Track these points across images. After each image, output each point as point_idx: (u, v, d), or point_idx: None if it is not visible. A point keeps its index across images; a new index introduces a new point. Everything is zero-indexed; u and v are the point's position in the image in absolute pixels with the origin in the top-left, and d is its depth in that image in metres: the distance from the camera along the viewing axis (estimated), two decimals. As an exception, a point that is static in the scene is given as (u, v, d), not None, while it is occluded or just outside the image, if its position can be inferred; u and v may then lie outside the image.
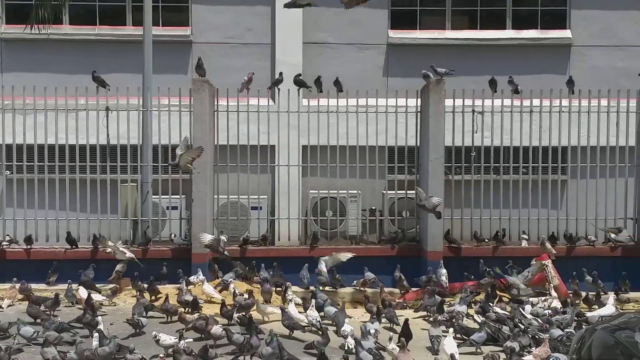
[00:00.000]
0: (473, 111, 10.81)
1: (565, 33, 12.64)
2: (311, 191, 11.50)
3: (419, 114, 10.90)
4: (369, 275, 9.32)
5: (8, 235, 10.79)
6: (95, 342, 6.45)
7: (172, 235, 10.81)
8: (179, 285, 8.54)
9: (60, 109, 10.71)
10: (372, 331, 6.75)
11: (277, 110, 11.02)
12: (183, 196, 11.26)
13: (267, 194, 11.73)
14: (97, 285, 8.94)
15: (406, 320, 7.01)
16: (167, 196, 11.16)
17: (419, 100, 10.86)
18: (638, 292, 9.19)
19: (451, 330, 6.94)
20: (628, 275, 9.37)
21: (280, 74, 11.17)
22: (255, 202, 11.36)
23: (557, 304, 8.42)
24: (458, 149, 10.92)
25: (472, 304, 8.30)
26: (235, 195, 11.10)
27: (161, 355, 6.17)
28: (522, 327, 7.13)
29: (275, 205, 11.67)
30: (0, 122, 10.74)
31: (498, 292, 8.79)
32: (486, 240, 10.92)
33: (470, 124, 10.83)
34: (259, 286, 8.84)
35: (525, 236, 10.97)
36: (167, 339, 6.59)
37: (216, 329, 6.78)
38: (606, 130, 10.83)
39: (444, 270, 9.15)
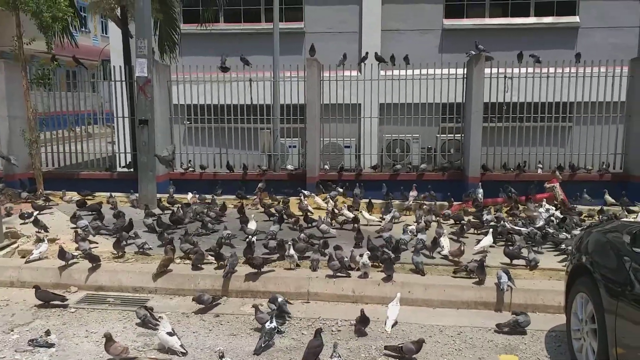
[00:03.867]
0: (505, 77, 10.94)
1: (575, 18, 12.92)
2: (385, 135, 11.90)
3: (465, 79, 11.17)
4: (479, 191, 9.04)
5: (189, 162, 11.74)
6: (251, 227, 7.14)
7: (291, 165, 11.54)
8: (299, 196, 9.08)
9: (220, 80, 11.42)
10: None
11: (363, 79, 11.38)
12: (299, 139, 11.81)
13: (355, 137, 12.14)
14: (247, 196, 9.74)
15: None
16: (289, 139, 11.80)
17: (465, 69, 11.12)
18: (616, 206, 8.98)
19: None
20: (617, 193, 9.32)
21: (366, 53, 11.55)
22: (347, 142, 11.88)
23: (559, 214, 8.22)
24: (493, 104, 11.04)
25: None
26: (334, 138, 11.66)
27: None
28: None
29: (361, 144, 12.11)
30: (183, 90, 11.43)
31: (520, 205, 8.81)
32: (511, 169, 11.20)
33: (502, 86, 10.90)
34: (351, 199, 9.24)
35: (540, 165, 11.27)
36: (252, 225, 7.06)
37: (324, 226, 7.22)
38: (603, 90, 10.99)
39: (480, 190, 9.36)
